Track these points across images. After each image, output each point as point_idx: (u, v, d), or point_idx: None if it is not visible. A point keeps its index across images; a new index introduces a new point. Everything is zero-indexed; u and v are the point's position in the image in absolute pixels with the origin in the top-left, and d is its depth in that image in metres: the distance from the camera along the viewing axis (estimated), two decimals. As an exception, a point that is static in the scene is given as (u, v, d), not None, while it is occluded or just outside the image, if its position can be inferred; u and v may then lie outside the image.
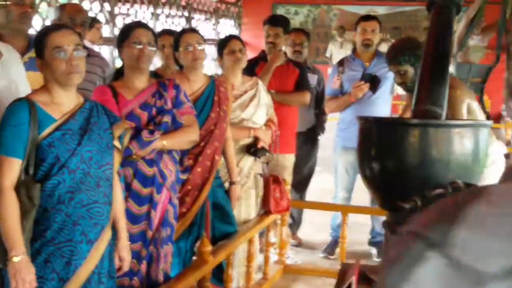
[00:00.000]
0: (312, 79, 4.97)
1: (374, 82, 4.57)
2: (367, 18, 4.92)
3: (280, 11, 11.12)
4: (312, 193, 5.45)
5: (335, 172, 4.96)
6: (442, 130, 2.32)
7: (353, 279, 2.48)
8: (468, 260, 0.57)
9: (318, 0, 10.90)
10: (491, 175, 2.84)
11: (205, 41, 3.50)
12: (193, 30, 3.52)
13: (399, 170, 2.35)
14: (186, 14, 9.74)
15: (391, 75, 4.18)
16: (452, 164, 2.29)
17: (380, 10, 11.00)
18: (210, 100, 3.43)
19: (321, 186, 5.96)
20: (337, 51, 10.62)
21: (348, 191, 4.88)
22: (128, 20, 7.76)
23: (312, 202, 4.94)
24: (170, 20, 9.26)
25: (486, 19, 7.29)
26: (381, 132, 2.44)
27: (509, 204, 0.59)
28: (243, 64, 3.80)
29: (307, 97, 4.65)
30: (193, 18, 10.00)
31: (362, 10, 11.09)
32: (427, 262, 0.59)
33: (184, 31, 3.55)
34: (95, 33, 5.97)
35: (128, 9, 8.12)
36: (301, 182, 5.06)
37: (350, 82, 4.75)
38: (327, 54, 11.16)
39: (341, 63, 4.92)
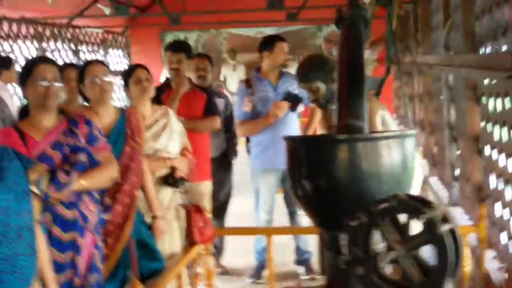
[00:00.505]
0: (219, 103, 4.93)
1: (295, 101, 4.59)
2: (283, 39, 4.93)
3: (169, 38, 11.04)
4: (230, 218, 5.38)
5: (256, 195, 4.91)
6: (370, 143, 2.33)
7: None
8: None
9: (207, 25, 10.91)
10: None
11: (111, 72, 3.36)
12: (99, 62, 3.38)
13: (332, 187, 2.33)
14: (73, 47, 9.46)
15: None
16: (383, 177, 2.30)
17: (267, 31, 11.17)
18: (123, 134, 3.29)
19: (238, 210, 5.90)
20: (230, 74, 10.69)
21: (270, 213, 4.86)
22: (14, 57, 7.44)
23: (235, 228, 4.88)
24: (57, 54, 8.96)
25: (373, 33, 7.57)
26: (310, 150, 2.42)
27: None
28: (151, 93, 3.70)
29: (217, 122, 4.59)
30: (80, 50, 9.73)
31: (251, 32, 11.25)
32: None
33: (89, 62, 3.39)
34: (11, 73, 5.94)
35: (11, 45, 7.77)
36: (219, 208, 4.99)
37: (263, 103, 4.74)
38: (221, 78, 11.20)
39: (248, 84, 4.88)
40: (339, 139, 2.36)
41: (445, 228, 1.91)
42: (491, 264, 3.44)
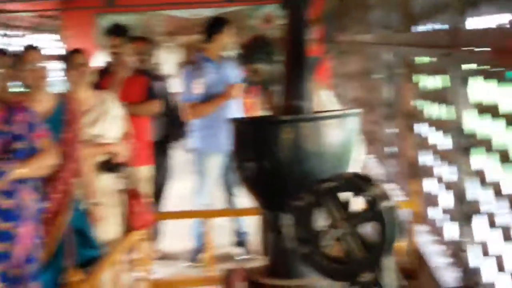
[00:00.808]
0: (161, 86, 4.86)
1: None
2: (230, 22, 4.93)
3: (104, 21, 10.76)
4: (168, 202, 5.35)
5: (199, 178, 4.88)
6: (313, 123, 2.35)
7: (242, 285, 2.45)
8: None
9: (143, 7, 10.70)
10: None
11: (47, 57, 3.27)
12: (33, 48, 3.28)
13: (276, 168, 2.35)
14: (3, 32, 9.13)
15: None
16: (326, 156, 2.33)
17: (206, 12, 11.06)
18: (61, 120, 3.21)
19: (176, 193, 5.85)
20: (166, 57, 10.53)
21: (210, 196, 4.86)
22: None
23: (174, 212, 4.82)
24: (-15, 39, 8.63)
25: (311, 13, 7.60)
26: (255, 132, 2.43)
27: None
28: (89, 77, 3.62)
29: (157, 106, 4.54)
30: (11, 35, 9.40)
31: (188, 14, 11.12)
32: None
33: (24, 49, 3.29)
34: None
35: None
36: (156, 193, 4.95)
37: (213, 85, 4.71)
38: (157, 60, 11.03)
39: (196, 67, 4.79)
40: (283, 120, 2.38)
41: (385, 205, 1.95)
42: (423, 238, 3.55)
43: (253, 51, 3.41)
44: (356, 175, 2.04)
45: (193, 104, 4.74)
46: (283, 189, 2.35)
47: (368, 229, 2.03)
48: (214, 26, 4.81)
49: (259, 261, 2.71)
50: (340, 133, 2.36)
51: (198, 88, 4.69)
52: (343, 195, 2.01)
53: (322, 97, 3.38)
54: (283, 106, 2.51)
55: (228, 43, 4.84)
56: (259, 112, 4.03)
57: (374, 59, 5.57)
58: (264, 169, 2.37)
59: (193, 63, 4.86)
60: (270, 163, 2.36)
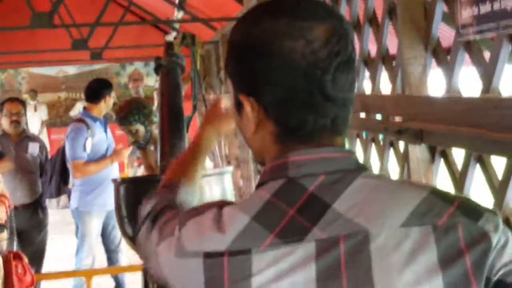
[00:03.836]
0: (34, 147, 4.84)
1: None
2: (111, 85, 5.01)
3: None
4: (47, 261, 5.25)
5: (81, 238, 4.83)
6: (193, 180, 2.54)
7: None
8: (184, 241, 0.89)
9: (4, 65, 10.44)
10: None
11: None
12: None
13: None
14: None
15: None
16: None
17: (70, 70, 11.03)
18: None
19: (56, 254, 5.73)
20: (32, 115, 10.30)
21: (93, 254, 4.83)
22: None
23: (55, 272, 4.75)
24: None
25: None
26: (138, 191, 2.56)
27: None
28: None
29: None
30: None
31: (52, 71, 11.01)
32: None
33: None
34: None
35: None
36: (36, 255, 4.84)
37: (100, 144, 4.78)
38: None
39: (87, 125, 4.76)
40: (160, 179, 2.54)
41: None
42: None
43: (130, 113, 3.57)
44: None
45: (85, 162, 4.75)
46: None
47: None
48: (102, 88, 4.88)
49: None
50: (218, 190, 2.56)
51: (88, 147, 4.71)
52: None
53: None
54: (162, 165, 2.67)
55: (110, 106, 4.96)
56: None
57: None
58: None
59: (80, 121, 4.85)
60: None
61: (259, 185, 0.93)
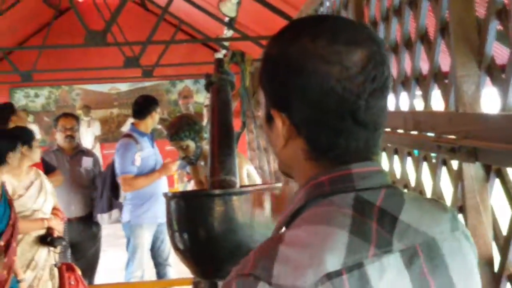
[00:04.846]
0: (87, 161, 4.96)
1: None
2: (157, 102, 5.12)
3: (19, 95, 10.75)
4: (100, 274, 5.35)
5: (132, 251, 4.92)
6: (243, 196, 2.56)
7: None
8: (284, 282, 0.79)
9: (59, 81, 10.74)
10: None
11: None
12: None
13: (210, 238, 2.53)
14: None
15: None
16: (255, 226, 2.54)
17: (122, 87, 11.26)
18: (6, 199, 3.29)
19: (107, 266, 5.84)
20: (85, 130, 10.55)
21: (143, 268, 4.91)
22: None
23: (108, 284, 4.85)
24: None
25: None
26: (189, 205, 2.60)
27: (299, 243, 0.83)
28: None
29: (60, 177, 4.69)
30: None
31: (105, 88, 11.26)
32: None
33: None
34: None
35: None
36: (89, 267, 4.95)
37: (147, 158, 4.88)
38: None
39: (136, 141, 4.90)
40: (215, 194, 2.57)
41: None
42: None
43: (181, 129, 3.63)
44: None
45: (132, 177, 4.85)
46: (217, 258, 2.52)
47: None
48: (148, 104, 4.99)
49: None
50: (267, 205, 2.58)
51: (138, 160, 4.82)
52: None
53: (249, 171, 3.62)
54: (213, 180, 2.70)
55: (156, 121, 5.10)
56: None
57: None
58: (199, 239, 2.54)
59: (128, 137, 4.96)
60: (204, 233, 2.53)
61: (318, 196, 0.91)
